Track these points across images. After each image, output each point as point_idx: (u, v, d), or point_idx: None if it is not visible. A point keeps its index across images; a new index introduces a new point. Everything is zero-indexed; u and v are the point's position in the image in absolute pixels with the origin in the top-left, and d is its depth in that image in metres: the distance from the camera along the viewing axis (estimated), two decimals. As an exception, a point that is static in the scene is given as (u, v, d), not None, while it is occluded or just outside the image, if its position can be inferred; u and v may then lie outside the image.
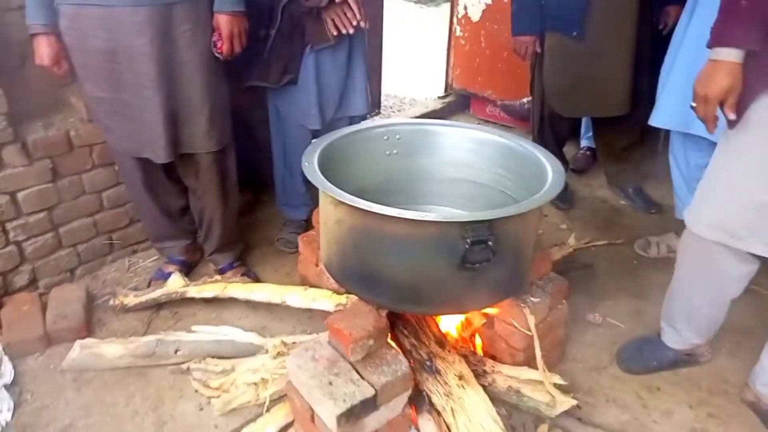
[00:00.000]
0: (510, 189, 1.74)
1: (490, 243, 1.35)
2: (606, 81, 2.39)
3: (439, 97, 3.91)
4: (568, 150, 3.05)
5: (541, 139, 2.65)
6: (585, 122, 3.08)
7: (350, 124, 2.10)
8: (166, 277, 2.15)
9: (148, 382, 1.82)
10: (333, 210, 1.48)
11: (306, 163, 1.52)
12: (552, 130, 2.66)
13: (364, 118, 2.29)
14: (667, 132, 2.31)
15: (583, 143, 3.15)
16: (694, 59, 1.82)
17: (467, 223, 1.32)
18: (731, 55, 1.29)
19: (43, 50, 1.73)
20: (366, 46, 2.20)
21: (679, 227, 2.35)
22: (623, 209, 2.81)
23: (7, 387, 1.78)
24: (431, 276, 1.43)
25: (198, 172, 2.02)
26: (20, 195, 1.99)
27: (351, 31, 1.97)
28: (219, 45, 1.83)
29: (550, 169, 1.54)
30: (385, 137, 1.81)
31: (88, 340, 1.90)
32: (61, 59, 1.77)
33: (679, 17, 2.09)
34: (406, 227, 1.34)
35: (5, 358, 1.86)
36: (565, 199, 2.79)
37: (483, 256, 1.36)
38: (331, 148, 1.67)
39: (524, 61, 2.57)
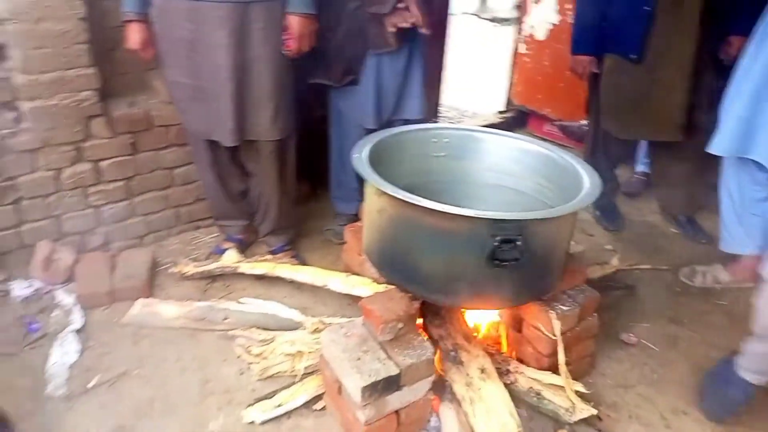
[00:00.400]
0: (549, 199, 1.80)
1: (518, 243, 1.43)
2: (661, 106, 2.40)
3: (498, 112, 3.97)
4: (623, 174, 3.07)
5: (593, 159, 2.66)
6: (643, 147, 3.07)
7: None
8: (222, 252, 2.34)
9: (197, 343, 1.99)
10: (376, 200, 1.59)
11: (356, 155, 1.65)
12: (605, 151, 2.68)
13: (419, 122, 2.40)
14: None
15: (639, 168, 3.13)
16: (762, 87, 1.82)
17: (497, 221, 1.40)
18: None
19: (134, 36, 1.95)
20: (425, 55, 2.31)
21: (726, 259, 2.34)
22: (672, 236, 2.78)
23: (76, 332, 1.99)
24: (460, 269, 1.51)
25: (260, 158, 2.18)
26: (103, 164, 2.23)
27: (407, 25, 2.07)
28: (289, 43, 1.99)
29: (588, 182, 1.60)
30: (434, 140, 1.92)
31: (149, 300, 2.10)
32: (149, 45, 1.99)
33: (741, 48, 2.09)
34: (439, 220, 1.44)
35: (77, 307, 2.08)
36: (613, 220, 2.79)
37: (511, 255, 1.44)
38: (382, 144, 1.79)
39: (582, 80, 2.61)
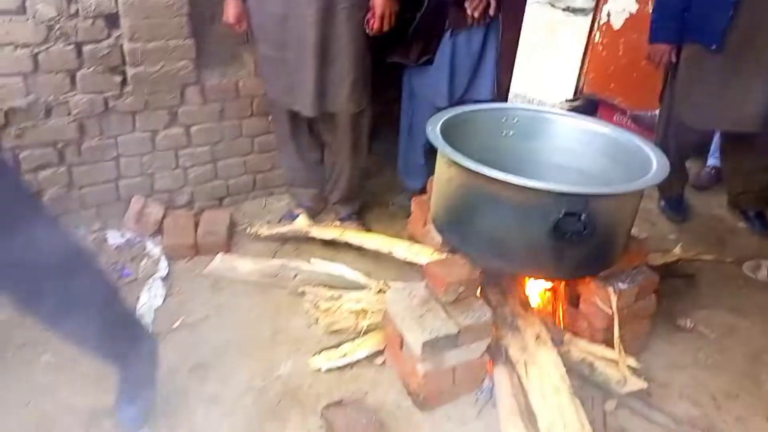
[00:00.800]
0: (615, 180, 1.84)
1: (582, 217, 1.50)
2: (741, 96, 2.36)
3: (567, 101, 3.96)
4: (694, 167, 3.04)
5: (663, 148, 2.66)
6: (715, 141, 3.02)
7: (476, 106, 2.30)
8: (294, 217, 2.50)
9: (269, 297, 2.16)
10: (446, 169, 1.69)
11: (430, 128, 1.75)
12: (676, 142, 2.66)
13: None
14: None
15: (710, 162, 3.08)
16: None
17: (564, 195, 1.48)
18: None
19: (231, 10, 2.12)
20: (499, 39, 2.38)
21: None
22: (739, 231, 2.74)
23: (162, 280, 2.20)
24: (524, 239, 1.60)
25: (336, 129, 2.32)
26: (193, 129, 2.43)
27: (479, 12, 2.15)
28: (371, 22, 2.10)
29: (656, 163, 1.64)
30: (503, 118, 1.99)
31: (227, 255, 2.29)
32: (243, 19, 2.15)
33: None
34: (507, 190, 1.53)
35: (163, 258, 2.30)
36: (678, 211, 2.78)
37: (574, 228, 1.51)
38: (453, 120, 1.88)
39: (657, 69, 2.60)
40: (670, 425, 1.69)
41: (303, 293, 2.12)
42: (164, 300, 2.12)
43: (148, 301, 2.11)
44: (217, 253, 2.29)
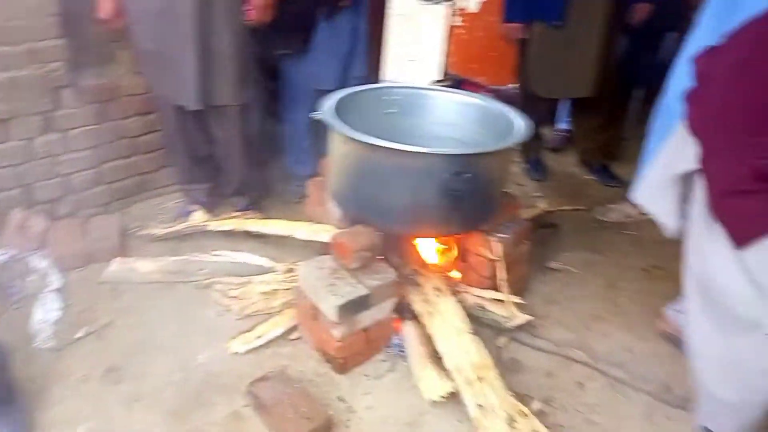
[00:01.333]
0: (488, 144, 2.09)
1: (468, 175, 1.72)
2: (577, 66, 2.77)
3: (435, 82, 4.26)
4: (547, 132, 3.46)
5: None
6: (562, 107, 3.45)
7: (354, 85, 2.45)
8: (188, 214, 2.50)
9: (176, 294, 2.16)
10: (341, 146, 1.84)
11: (322, 111, 1.88)
12: (531, 111, 3.01)
13: (365, 80, 2.64)
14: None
15: (561, 125, 3.52)
16: None
17: (451, 156, 1.69)
18: None
19: (106, 5, 2.08)
20: (367, 21, 2.57)
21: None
22: (589, 183, 3.20)
23: (56, 291, 2.12)
24: (419, 201, 1.79)
25: (225, 122, 2.36)
26: (71, 133, 2.34)
27: None
28: (250, 13, 2.17)
29: (518, 124, 1.91)
30: (385, 97, 2.17)
31: (125, 258, 2.25)
32: (120, 14, 2.12)
33: (646, 14, 2.46)
34: (400, 158, 1.71)
35: (53, 270, 2.20)
36: (539, 171, 3.17)
37: (462, 186, 1.72)
38: (340, 103, 2.01)
39: (511, 47, 2.94)
40: (552, 348, 1.99)
41: (210, 285, 2.15)
42: (62, 312, 2.04)
43: (44, 315, 2.02)
44: (111, 259, 2.24)
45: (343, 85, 2.33)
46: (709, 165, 1.34)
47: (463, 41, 3.98)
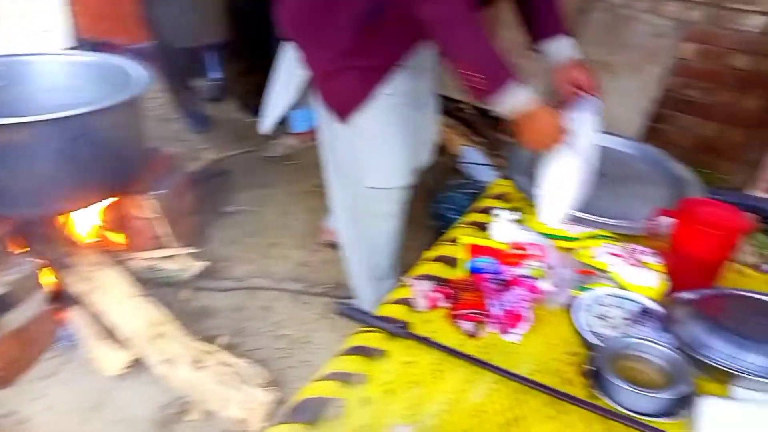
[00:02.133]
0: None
1: (86, 137, 1.59)
2: (207, 11, 2.76)
3: (68, 49, 3.79)
4: (202, 82, 3.41)
5: (168, 75, 2.91)
6: (210, 56, 3.42)
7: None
8: None
9: None
10: None
11: None
12: (171, 63, 2.93)
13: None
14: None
15: (212, 75, 3.50)
16: None
17: (62, 119, 1.52)
18: None
19: None
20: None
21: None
22: (253, 124, 3.26)
23: None
24: (42, 176, 1.60)
25: None
26: None
27: None
28: None
29: (136, 77, 1.83)
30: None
31: None
32: None
33: None
34: (11, 134, 1.49)
35: None
36: (201, 123, 3.14)
37: (84, 150, 1.59)
38: None
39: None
40: (237, 285, 2.06)
41: None
42: None
43: None
44: None
45: None
46: (307, 60, 1.46)
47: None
